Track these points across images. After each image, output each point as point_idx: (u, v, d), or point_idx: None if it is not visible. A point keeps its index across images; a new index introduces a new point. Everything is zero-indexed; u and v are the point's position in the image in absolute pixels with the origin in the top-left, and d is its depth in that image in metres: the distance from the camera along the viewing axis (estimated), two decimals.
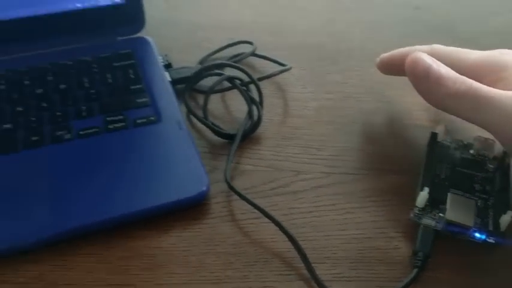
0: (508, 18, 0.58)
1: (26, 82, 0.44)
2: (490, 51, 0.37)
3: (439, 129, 0.40)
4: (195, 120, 0.43)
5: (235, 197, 0.37)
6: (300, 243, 0.34)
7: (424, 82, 0.35)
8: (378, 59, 0.43)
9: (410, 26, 0.57)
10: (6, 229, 0.33)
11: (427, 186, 0.35)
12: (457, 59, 0.37)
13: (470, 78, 0.34)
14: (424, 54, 0.36)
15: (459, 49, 0.38)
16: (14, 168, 0.37)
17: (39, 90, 0.43)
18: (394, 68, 0.40)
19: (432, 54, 0.36)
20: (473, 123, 0.34)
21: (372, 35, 0.55)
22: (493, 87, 0.33)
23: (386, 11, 0.59)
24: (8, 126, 0.40)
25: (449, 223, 0.34)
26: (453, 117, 0.36)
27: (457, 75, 0.34)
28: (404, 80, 0.38)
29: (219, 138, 0.42)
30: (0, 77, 0.44)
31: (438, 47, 0.38)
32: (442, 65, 0.35)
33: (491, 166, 0.38)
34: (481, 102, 0.33)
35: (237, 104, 0.45)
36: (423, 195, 0.35)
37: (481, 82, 0.33)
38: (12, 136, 0.39)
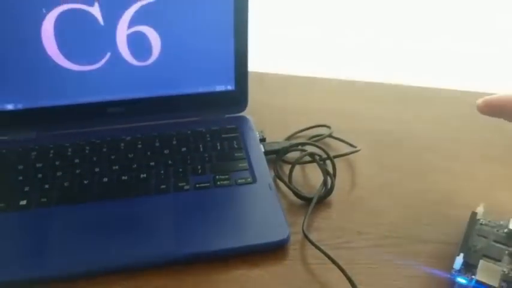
0: None
1: (157, 144, 0.59)
2: None
3: (479, 210, 0.50)
4: (280, 183, 0.55)
5: (309, 246, 0.48)
6: (359, 287, 0.43)
7: None
8: (481, 101, 0.45)
9: (467, 121, 0.67)
10: (141, 250, 0.46)
11: (463, 253, 0.44)
12: None
13: None
14: None
15: None
16: (148, 207, 0.51)
17: (166, 151, 0.58)
18: (501, 108, 0.44)
19: None
20: None
21: (433, 127, 0.66)
22: None
23: (447, 108, 0.70)
24: (144, 175, 0.54)
25: (479, 283, 0.43)
26: (491, 200, 0.45)
27: None
28: (451, 166, 0.48)
29: (299, 200, 0.54)
30: (137, 139, 0.59)
31: None
32: None
33: None
34: None
35: (314, 174, 0.56)
36: (459, 260, 0.44)
37: None
38: (147, 183, 0.53)
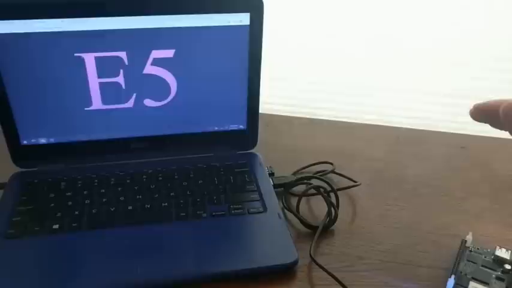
0: None
1: (176, 177, 0.65)
2: None
3: (468, 238, 0.55)
4: (288, 213, 0.61)
5: (315, 269, 0.53)
6: None
7: None
8: (472, 107, 0.45)
9: (456, 160, 0.73)
10: (163, 270, 0.51)
11: (454, 275, 0.50)
12: None
13: None
14: None
15: None
16: (169, 232, 0.56)
17: (185, 183, 0.63)
18: (488, 113, 0.45)
19: None
20: None
21: (424, 165, 0.72)
22: None
23: (437, 149, 0.76)
24: (165, 204, 0.60)
25: None
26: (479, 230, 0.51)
27: None
28: (443, 201, 0.54)
29: (305, 228, 0.59)
30: (159, 172, 0.65)
31: None
32: None
33: (508, 267, 0.52)
34: None
35: (319, 205, 0.62)
36: (450, 281, 0.49)
37: None
38: (168, 211, 0.59)
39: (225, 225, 0.57)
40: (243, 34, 0.62)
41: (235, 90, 0.66)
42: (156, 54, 0.61)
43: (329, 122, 0.84)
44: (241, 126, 0.69)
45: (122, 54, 0.61)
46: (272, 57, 0.85)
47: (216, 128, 0.68)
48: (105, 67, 0.61)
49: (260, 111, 0.68)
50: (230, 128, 0.68)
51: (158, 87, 0.63)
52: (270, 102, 0.87)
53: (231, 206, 0.59)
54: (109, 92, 0.63)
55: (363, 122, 0.83)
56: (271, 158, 0.70)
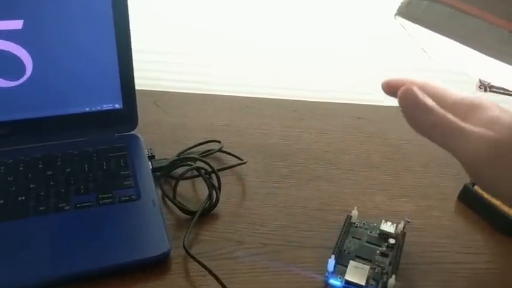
0: None
1: (40, 166, 0.57)
2: (469, 95, 0.43)
3: (353, 213, 0.52)
4: (167, 199, 0.56)
5: (191, 259, 0.48)
6: None
7: (412, 111, 0.40)
8: (384, 81, 0.44)
9: (351, 132, 0.71)
10: (14, 275, 0.44)
11: (334, 255, 0.46)
12: (441, 96, 0.42)
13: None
14: (415, 88, 0.39)
15: (445, 88, 0.43)
16: (23, 230, 0.49)
17: (49, 172, 0.56)
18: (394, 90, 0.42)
19: (423, 89, 0.40)
20: (445, 149, 0.40)
21: (318, 138, 0.69)
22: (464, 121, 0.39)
23: (333, 120, 0.73)
24: (22, 198, 0.52)
25: (348, 282, 0.45)
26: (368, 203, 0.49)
27: (438, 107, 0.39)
28: (332, 174, 0.51)
29: (185, 215, 0.54)
30: (20, 161, 0.57)
31: (429, 85, 0.42)
32: (428, 98, 0.39)
33: (392, 242, 0.50)
34: (452, 131, 0.39)
35: (203, 188, 0.57)
36: (331, 262, 0.46)
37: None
38: (24, 206, 0.51)
39: (90, 218, 0.51)
40: (105, 2, 0.54)
41: (104, 66, 0.59)
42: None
43: (222, 98, 0.78)
44: (117, 105, 0.62)
45: None
46: (156, 30, 0.78)
47: (88, 109, 0.61)
48: None
49: (149, 88, 0.62)
50: (104, 108, 0.61)
51: (7, 64, 0.55)
52: (160, 78, 0.80)
53: (100, 196, 0.53)
54: None
55: (258, 96, 0.79)
56: (158, 139, 0.65)
